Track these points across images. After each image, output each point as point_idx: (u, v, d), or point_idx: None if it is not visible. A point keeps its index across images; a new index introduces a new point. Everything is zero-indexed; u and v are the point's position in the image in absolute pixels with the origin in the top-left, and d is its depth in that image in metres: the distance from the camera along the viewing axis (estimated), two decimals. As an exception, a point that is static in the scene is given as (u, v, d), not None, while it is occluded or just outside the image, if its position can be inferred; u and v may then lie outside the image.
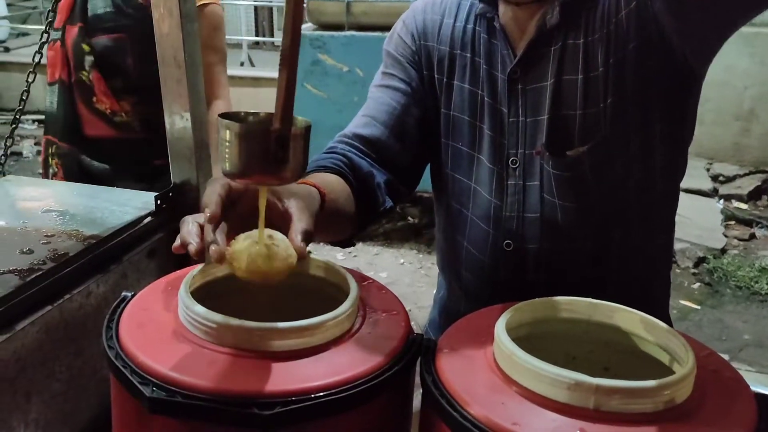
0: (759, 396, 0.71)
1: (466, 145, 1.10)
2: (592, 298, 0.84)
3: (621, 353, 0.85)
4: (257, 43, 8.84)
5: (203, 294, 0.84)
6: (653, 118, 0.99)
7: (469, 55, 1.08)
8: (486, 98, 1.06)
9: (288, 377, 0.68)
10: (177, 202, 1.25)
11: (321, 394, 0.67)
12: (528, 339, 0.81)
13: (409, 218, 4.79)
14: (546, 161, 1.02)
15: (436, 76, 1.12)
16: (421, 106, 1.13)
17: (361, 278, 0.90)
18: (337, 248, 4.42)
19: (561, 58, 1.00)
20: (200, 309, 0.72)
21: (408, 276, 4.04)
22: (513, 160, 1.05)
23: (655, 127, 1.00)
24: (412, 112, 1.12)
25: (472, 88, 1.08)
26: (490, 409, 0.66)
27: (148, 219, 1.20)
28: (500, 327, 0.74)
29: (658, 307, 1.17)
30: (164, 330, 0.74)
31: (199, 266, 0.84)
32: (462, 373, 0.72)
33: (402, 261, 4.24)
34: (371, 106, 1.16)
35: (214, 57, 1.85)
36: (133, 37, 1.78)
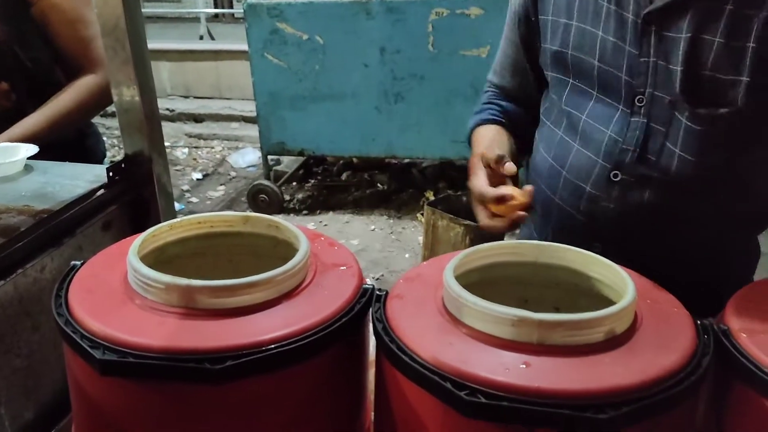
0: (702, 324, 0.74)
1: (582, 81, 1.13)
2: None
3: (571, 293, 0.87)
4: (216, 15, 8.69)
5: (154, 258, 0.84)
6: None
7: None
8: (611, 38, 1.07)
9: (239, 332, 0.69)
10: (130, 174, 1.24)
11: (272, 346, 0.68)
12: (480, 285, 0.83)
13: (378, 185, 4.79)
14: (680, 111, 1.03)
15: (551, 18, 1.16)
16: (527, 53, 1.27)
17: (313, 235, 0.91)
18: (308, 218, 4.40)
19: (701, 15, 1.00)
20: (148, 271, 0.72)
21: (379, 242, 4.06)
22: (639, 98, 1.06)
23: None
24: (522, 60, 1.28)
25: (593, 30, 1.09)
26: (438, 350, 0.67)
27: (102, 192, 1.19)
28: (448, 272, 0.75)
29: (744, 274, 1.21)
30: (114, 294, 0.75)
31: (149, 231, 0.84)
32: (412, 318, 0.73)
33: (373, 227, 4.26)
34: (500, 57, 1.34)
35: (89, 30, 1.65)
36: None
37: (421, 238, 3.65)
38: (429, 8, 3.88)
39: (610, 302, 0.81)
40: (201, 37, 7.60)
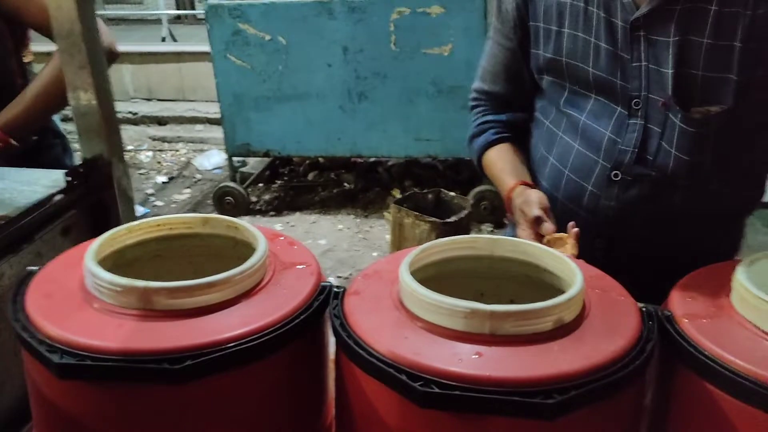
0: (647, 311, 0.76)
1: (579, 86, 1.16)
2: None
3: (525, 285, 0.89)
4: (178, 17, 8.60)
5: (113, 262, 0.84)
6: None
7: (581, 4, 1.12)
8: (603, 45, 1.10)
9: (197, 332, 0.70)
10: (89, 178, 1.24)
11: (231, 345, 0.69)
12: (437, 279, 0.85)
13: (345, 184, 4.80)
14: (674, 113, 1.06)
15: (542, 25, 1.17)
16: (524, 57, 1.25)
17: (272, 235, 0.92)
18: (275, 219, 4.37)
19: (686, 18, 1.03)
20: (105, 274, 0.73)
21: (346, 241, 4.07)
22: (636, 102, 1.09)
23: None
24: (517, 64, 1.27)
25: (585, 36, 1.12)
26: (394, 344, 0.69)
27: (60, 196, 1.18)
28: (404, 267, 0.77)
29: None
30: (71, 299, 0.75)
31: (106, 234, 0.84)
32: (369, 314, 0.75)
33: (340, 227, 4.27)
34: (489, 64, 1.32)
35: None
36: None
37: (388, 237, 3.67)
38: (391, 7, 3.90)
39: (562, 293, 0.84)
40: (163, 39, 7.52)
